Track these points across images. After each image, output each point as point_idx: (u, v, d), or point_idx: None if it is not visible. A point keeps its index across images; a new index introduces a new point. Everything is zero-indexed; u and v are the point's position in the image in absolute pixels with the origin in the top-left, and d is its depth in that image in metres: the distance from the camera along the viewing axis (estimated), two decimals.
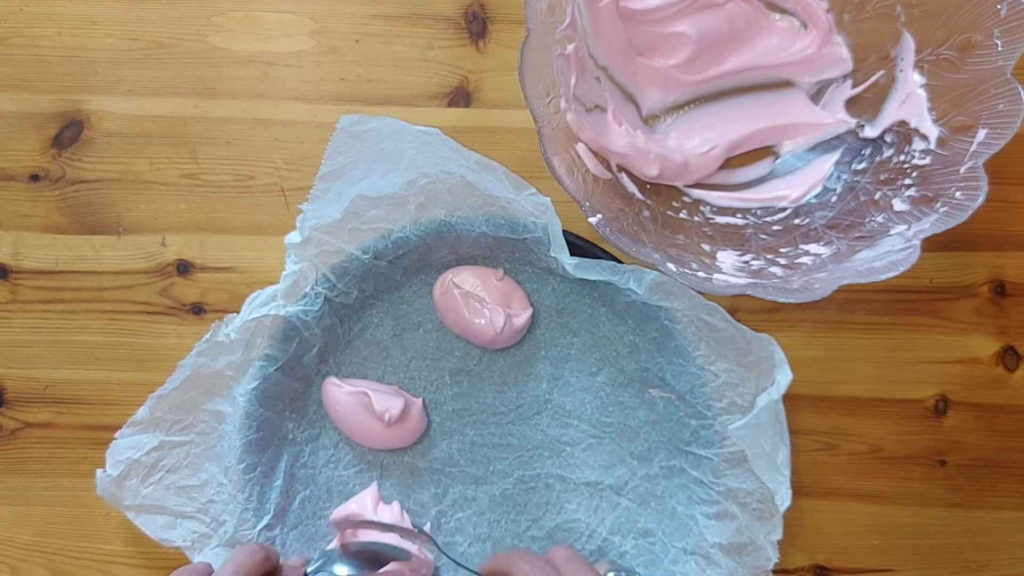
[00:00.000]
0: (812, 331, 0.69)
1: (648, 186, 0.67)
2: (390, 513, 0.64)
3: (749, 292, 0.56)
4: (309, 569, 0.60)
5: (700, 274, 0.59)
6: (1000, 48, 0.57)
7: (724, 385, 0.63)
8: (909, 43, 0.62)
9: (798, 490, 0.64)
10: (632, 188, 0.66)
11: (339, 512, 0.64)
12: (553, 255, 0.63)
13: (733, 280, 0.58)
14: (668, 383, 0.65)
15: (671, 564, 0.64)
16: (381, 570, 0.61)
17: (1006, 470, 0.68)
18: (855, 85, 0.66)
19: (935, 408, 0.68)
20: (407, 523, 0.64)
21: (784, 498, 0.61)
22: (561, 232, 0.62)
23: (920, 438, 0.68)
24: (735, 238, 0.64)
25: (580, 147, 0.63)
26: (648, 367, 0.67)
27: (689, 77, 0.67)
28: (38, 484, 0.69)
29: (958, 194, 0.57)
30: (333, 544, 0.64)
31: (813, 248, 0.62)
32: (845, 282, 0.55)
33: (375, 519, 0.63)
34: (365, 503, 0.64)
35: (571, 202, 0.59)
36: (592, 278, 0.63)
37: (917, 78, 0.62)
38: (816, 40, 0.66)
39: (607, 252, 0.66)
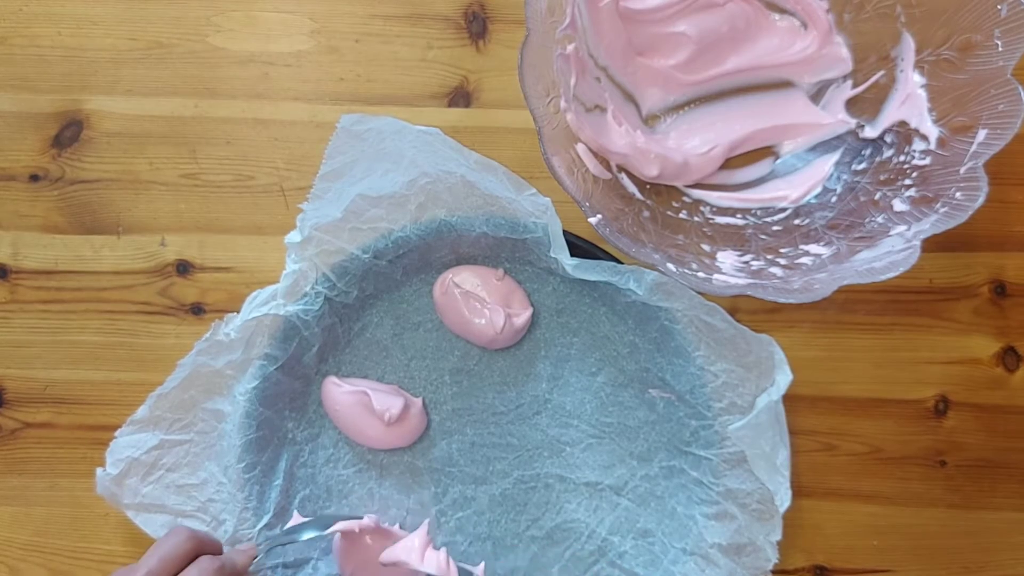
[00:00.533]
0: (812, 331, 0.69)
1: (648, 186, 0.66)
2: (436, 560, 0.62)
3: (749, 292, 0.55)
4: (262, 547, 0.60)
5: (700, 274, 0.59)
6: (1000, 48, 0.56)
7: (724, 386, 0.63)
8: (909, 43, 0.62)
9: (798, 491, 0.64)
10: (632, 188, 0.65)
11: (388, 556, 0.62)
12: (553, 255, 0.63)
13: (733, 280, 0.58)
14: (668, 383, 0.65)
15: (671, 564, 0.64)
16: (331, 528, 0.61)
17: (1006, 471, 0.68)
18: (855, 85, 0.66)
19: (935, 408, 0.68)
20: (453, 570, 0.62)
21: (783, 499, 0.61)
22: (561, 232, 0.62)
23: (920, 438, 0.68)
24: (735, 238, 0.64)
25: (580, 147, 0.62)
26: (648, 367, 0.66)
27: (689, 77, 0.67)
28: (37, 484, 0.68)
29: (958, 195, 0.56)
30: (292, 522, 0.64)
31: (813, 248, 0.61)
32: (845, 282, 0.55)
33: (422, 569, 0.62)
34: (413, 548, 0.62)
35: (571, 202, 0.59)
36: (592, 278, 0.62)
37: (917, 78, 0.61)
38: (816, 40, 0.66)
39: (607, 252, 0.66)
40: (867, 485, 0.68)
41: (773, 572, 0.63)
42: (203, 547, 0.55)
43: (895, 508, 0.68)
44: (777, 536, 0.62)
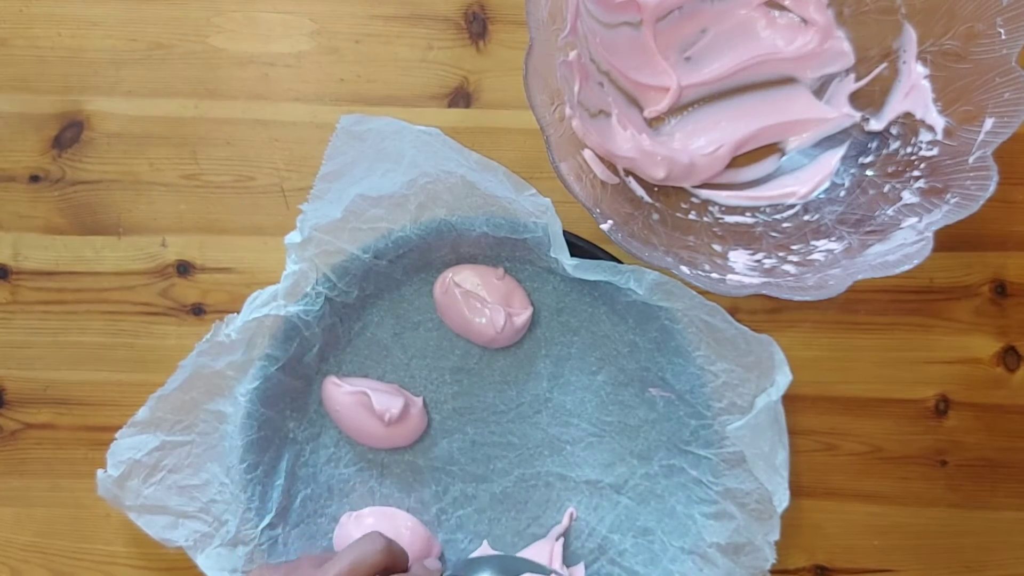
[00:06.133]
0: (812, 331, 0.66)
1: (656, 189, 0.64)
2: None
3: (764, 292, 0.53)
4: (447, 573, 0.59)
5: (713, 275, 0.57)
6: (1003, 37, 0.54)
7: (724, 385, 0.61)
8: (911, 35, 0.59)
9: (798, 490, 0.62)
10: (640, 191, 0.63)
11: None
12: (553, 255, 0.61)
13: (747, 280, 0.56)
14: (668, 383, 0.63)
15: (669, 563, 0.63)
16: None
17: (1007, 470, 0.66)
18: (858, 79, 0.63)
19: (935, 408, 0.66)
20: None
21: (782, 499, 0.59)
22: (561, 233, 0.60)
23: (920, 438, 0.66)
24: (746, 237, 0.62)
25: (587, 153, 0.60)
26: (648, 367, 0.64)
27: (692, 78, 0.65)
28: (38, 485, 0.66)
29: (969, 184, 0.54)
30: (477, 552, 0.63)
31: (825, 244, 0.59)
32: (860, 277, 0.52)
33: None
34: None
35: (571, 203, 0.57)
36: (592, 278, 0.60)
37: (920, 69, 0.59)
38: (817, 35, 0.63)
39: (607, 252, 0.64)
40: (868, 485, 0.66)
41: (774, 572, 0.61)
42: (395, 562, 0.55)
43: (896, 508, 0.66)
44: (775, 536, 0.60)
